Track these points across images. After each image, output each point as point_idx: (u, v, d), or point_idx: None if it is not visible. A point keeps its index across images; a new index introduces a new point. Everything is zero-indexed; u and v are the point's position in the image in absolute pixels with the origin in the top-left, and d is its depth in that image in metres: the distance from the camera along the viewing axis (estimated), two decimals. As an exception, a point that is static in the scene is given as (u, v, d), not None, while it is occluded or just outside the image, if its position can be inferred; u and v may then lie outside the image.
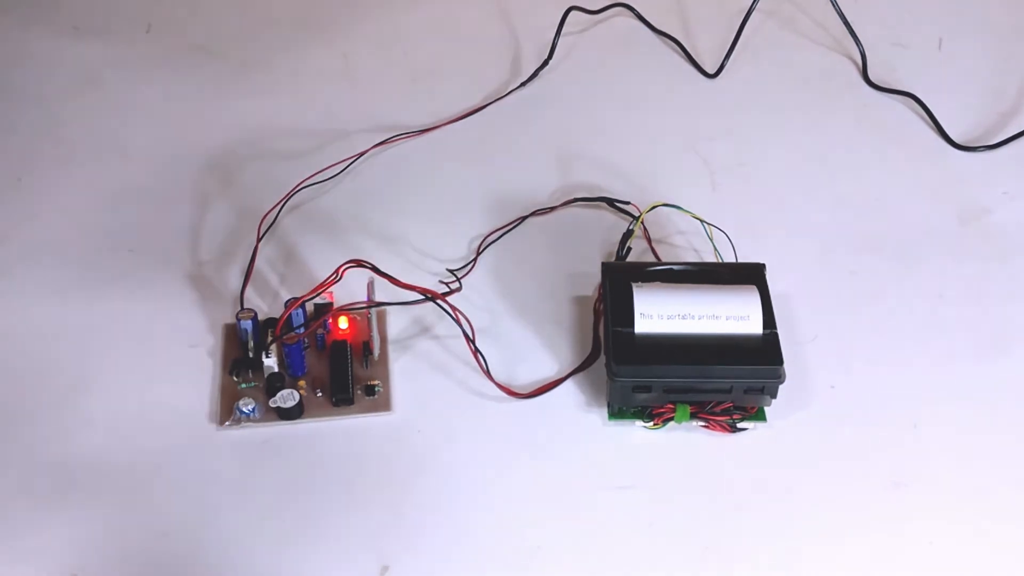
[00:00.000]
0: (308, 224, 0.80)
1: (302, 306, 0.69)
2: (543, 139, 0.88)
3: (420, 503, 0.64)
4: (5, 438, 0.67)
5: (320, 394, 0.69)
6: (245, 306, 0.73)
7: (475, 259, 0.78)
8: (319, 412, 0.68)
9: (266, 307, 0.74)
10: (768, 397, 0.67)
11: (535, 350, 0.73)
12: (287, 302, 0.70)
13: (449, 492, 0.65)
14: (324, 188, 0.83)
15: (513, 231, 0.80)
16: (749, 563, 0.62)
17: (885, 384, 0.71)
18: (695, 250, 0.78)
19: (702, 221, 0.76)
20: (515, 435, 0.68)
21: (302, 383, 0.69)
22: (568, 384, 0.71)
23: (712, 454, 0.67)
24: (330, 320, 0.71)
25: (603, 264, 0.71)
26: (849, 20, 0.96)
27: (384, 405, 0.69)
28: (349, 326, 0.72)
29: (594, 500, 0.65)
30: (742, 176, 0.85)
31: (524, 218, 0.81)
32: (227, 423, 0.67)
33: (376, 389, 0.69)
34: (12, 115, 0.89)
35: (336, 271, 0.68)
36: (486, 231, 0.80)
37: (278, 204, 0.80)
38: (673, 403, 0.67)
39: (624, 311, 0.66)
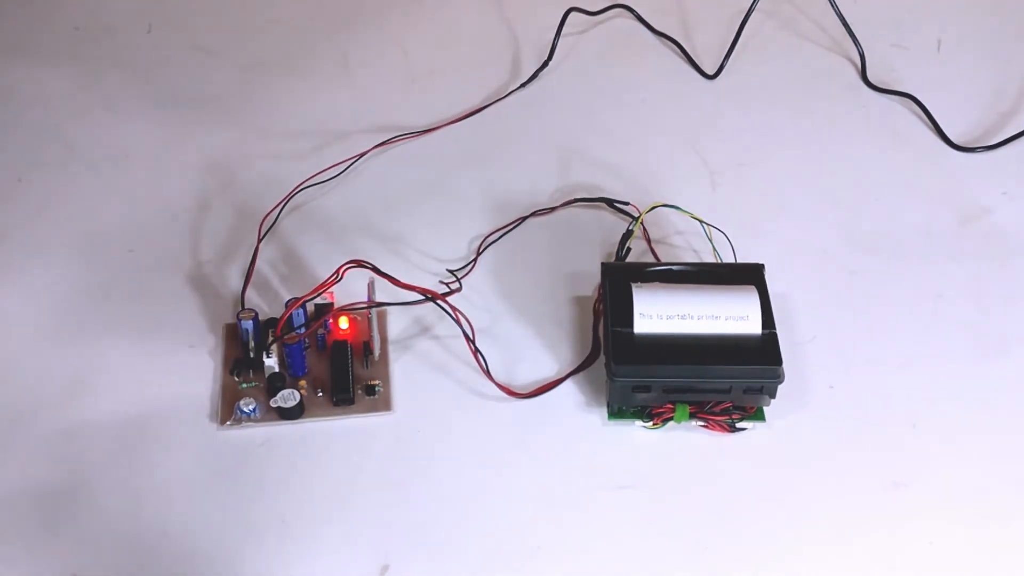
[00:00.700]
0: (309, 224, 0.80)
1: (303, 306, 0.69)
2: (543, 140, 0.88)
3: (420, 503, 0.64)
4: (5, 438, 0.67)
5: (321, 394, 0.69)
6: (246, 306, 0.73)
7: (475, 259, 0.78)
8: (320, 412, 0.68)
9: (267, 307, 0.74)
10: (767, 397, 0.67)
11: (535, 350, 0.73)
12: (288, 302, 0.70)
13: (449, 492, 0.65)
14: (325, 189, 0.83)
15: (513, 231, 0.80)
16: (749, 563, 0.62)
17: (884, 384, 0.71)
18: (694, 250, 0.78)
19: (701, 221, 0.76)
20: (515, 435, 0.68)
21: (303, 383, 0.69)
22: (568, 384, 0.71)
23: (711, 454, 0.67)
24: (331, 320, 0.71)
25: (603, 264, 0.71)
26: (848, 21, 0.96)
27: (384, 405, 0.69)
28: (350, 326, 0.72)
29: (594, 500, 0.65)
30: (741, 177, 0.85)
31: (524, 218, 0.81)
32: (228, 423, 0.68)
33: (376, 389, 0.69)
34: (12, 115, 0.89)
35: (336, 271, 0.68)
36: (486, 231, 0.80)
37: (279, 204, 0.80)
38: (672, 403, 0.67)
39: (624, 311, 0.66)
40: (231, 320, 0.73)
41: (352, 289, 0.70)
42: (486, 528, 0.63)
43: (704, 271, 0.71)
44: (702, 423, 0.68)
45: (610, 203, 0.81)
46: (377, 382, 0.70)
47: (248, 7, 1.01)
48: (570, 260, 0.78)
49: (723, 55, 0.95)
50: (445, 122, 0.89)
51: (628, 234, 0.76)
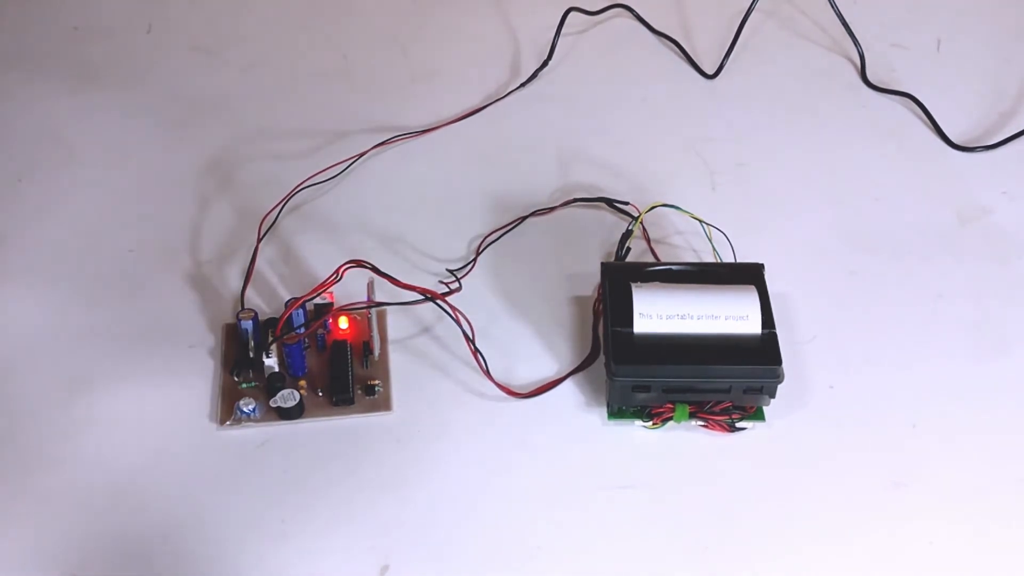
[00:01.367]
0: (308, 224, 0.80)
1: (302, 306, 0.69)
2: (542, 139, 0.88)
3: (420, 502, 0.64)
4: (6, 438, 0.67)
5: (320, 394, 0.69)
6: (246, 306, 0.73)
7: (475, 259, 0.78)
8: (319, 412, 0.68)
9: (266, 307, 0.74)
10: (767, 397, 0.67)
11: (535, 350, 0.73)
12: (287, 302, 0.70)
13: (449, 491, 0.65)
14: (324, 188, 0.83)
15: (513, 231, 0.80)
16: (749, 563, 0.62)
17: (884, 384, 0.71)
18: (694, 250, 0.78)
19: (701, 221, 0.76)
20: (515, 435, 0.68)
21: (302, 383, 0.69)
22: (567, 384, 0.71)
23: (711, 454, 0.67)
24: (330, 320, 0.71)
25: (602, 264, 0.71)
26: (848, 21, 0.96)
27: (384, 405, 0.69)
28: (349, 326, 0.72)
29: (594, 500, 0.65)
30: (741, 176, 0.85)
31: (524, 218, 0.81)
32: (228, 423, 0.68)
33: (376, 389, 0.69)
34: (12, 115, 0.89)
35: (336, 271, 0.68)
36: (486, 231, 0.80)
37: (278, 204, 0.80)
38: (672, 403, 0.67)
39: (623, 311, 0.66)
40: (231, 320, 0.73)
41: (352, 289, 0.70)
42: (486, 528, 0.63)
43: (704, 271, 0.71)
44: (702, 423, 0.68)
45: (610, 203, 0.81)
46: (377, 382, 0.70)
47: (248, 7, 1.01)
48: (570, 260, 0.78)
49: (723, 55, 0.95)
50: (445, 122, 0.89)
51: (628, 234, 0.76)
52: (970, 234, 0.81)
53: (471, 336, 0.69)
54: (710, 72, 0.94)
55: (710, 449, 0.68)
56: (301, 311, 0.69)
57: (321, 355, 0.71)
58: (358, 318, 0.72)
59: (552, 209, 0.82)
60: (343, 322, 0.71)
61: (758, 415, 0.68)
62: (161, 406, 0.69)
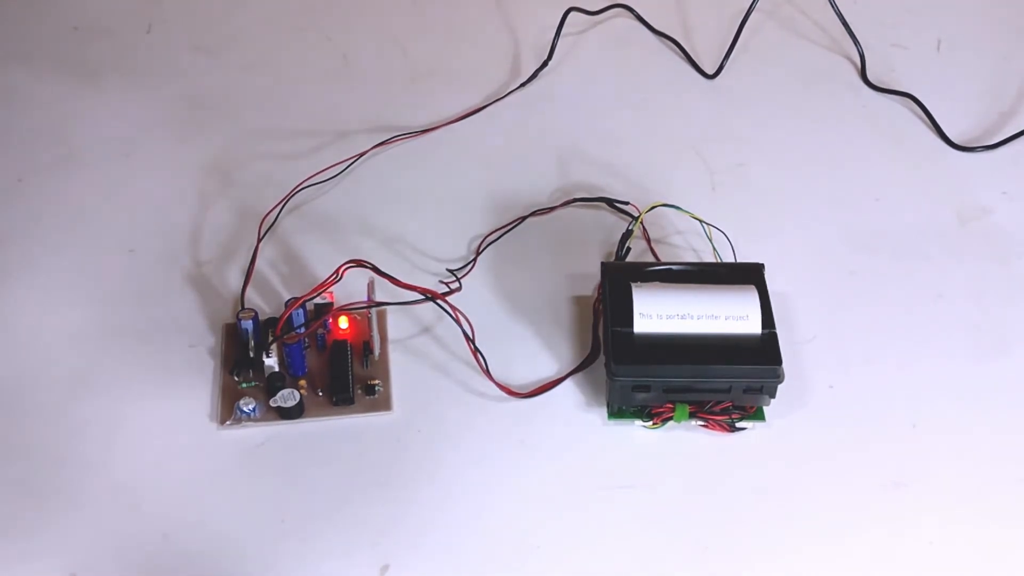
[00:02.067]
0: (308, 224, 0.80)
1: (302, 306, 0.69)
2: (543, 139, 0.88)
3: (420, 502, 0.64)
4: (6, 438, 0.67)
5: (320, 394, 0.69)
6: (246, 306, 0.73)
7: (475, 259, 0.78)
8: (319, 411, 0.68)
9: (267, 307, 0.74)
10: (767, 397, 0.67)
11: (535, 350, 0.73)
12: (287, 302, 0.70)
13: (449, 491, 0.65)
14: (324, 188, 0.83)
15: (513, 231, 0.80)
16: (749, 563, 0.62)
17: (884, 384, 0.71)
18: (694, 250, 0.78)
19: (701, 221, 0.76)
20: (515, 435, 0.68)
21: (302, 383, 0.69)
22: (568, 384, 0.71)
23: (711, 454, 0.67)
24: (330, 320, 0.71)
25: (602, 264, 0.71)
26: (848, 21, 0.96)
27: (384, 404, 0.69)
28: (349, 326, 0.72)
29: (594, 499, 0.65)
30: (741, 176, 0.85)
31: (524, 218, 0.81)
32: (228, 422, 0.68)
33: (376, 389, 0.69)
34: (13, 116, 0.89)
35: (336, 271, 0.68)
36: (486, 231, 0.80)
37: (279, 204, 0.80)
38: (672, 403, 0.67)
39: (623, 311, 0.66)
40: (231, 320, 0.73)
41: (352, 289, 0.70)
42: (486, 528, 0.63)
43: (704, 271, 0.71)
44: (702, 423, 0.68)
45: (610, 203, 0.81)
46: (377, 382, 0.70)
47: (247, 7, 1.01)
48: (570, 260, 0.78)
49: (723, 55, 0.95)
50: (445, 122, 0.89)
51: (628, 234, 0.76)
52: (970, 234, 0.81)
53: (471, 336, 0.69)
54: (710, 72, 0.94)
55: (710, 449, 0.68)
56: (301, 311, 0.70)
57: (321, 355, 0.71)
58: (358, 318, 0.72)
59: (552, 209, 0.82)
60: (343, 322, 0.71)
61: (758, 415, 0.68)
62: (161, 406, 0.69)
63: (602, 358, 0.70)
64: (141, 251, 0.78)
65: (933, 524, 0.64)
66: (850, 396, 0.70)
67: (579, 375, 0.71)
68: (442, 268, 0.77)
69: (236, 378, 0.70)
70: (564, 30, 0.96)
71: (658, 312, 0.66)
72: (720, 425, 0.68)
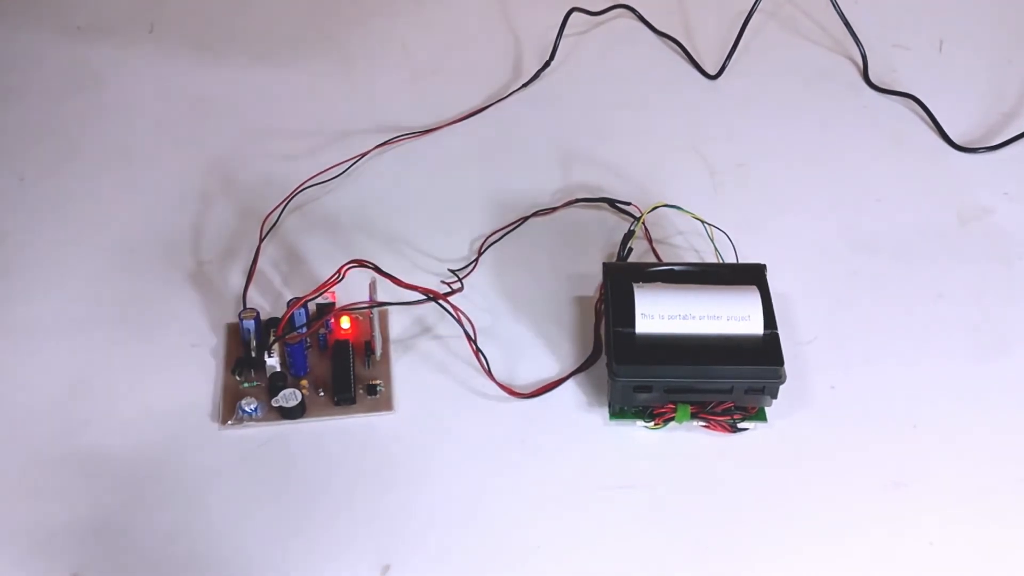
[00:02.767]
0: (310, 224, 0.80)
1: (304, 306, 0.69)
2: (544, 140, 0.88)
3: (421, 502, 0.65)
4: (7, 437, 0.67)
5: (322, 393, 0.69)
6: (248, 306, 0.73)
7: (476, 259, 0.78)
8: (321, 411, 0.68)
9: (268, 307, 0.74)
10: (768, 397, 0.67)
11: (536, 350, 0.73)
12: (289, 302, 0.70)
13: (450, 491, 0.65)
14: (326, 188, 0.83)
15: (514, 231, 0.80)
16: (749, 563, 0.63)
17: (885, 384, 0.71)
18: (696, 250, 0.78)
19: (703, 222, 0.77)
20: (516, 435, 0.68)
21: (304, 382, 0.69)
22: (569, 384, 0.71)
23: (713, 454, 0.67)
24: (332, 320, 0.71)
25: (604, 264, 0.71)
26: (850, 21, 0.96)
27: (386, 404, 0.69)
28: (351, 326, 0.72)
29: (595, 500, 0.65)
30: (743, 177, 0.85)
31: (525, 218, 0.81)
32: (229, 422, 0.68)
33: (378, 389, 0.69)
34: (14, 114, 0.89)
35: (338, 271, 0.68)
36: (487, 231, 0.80)
37: (281, 204, 0.80)
38: (674, 403, 0.67)
39: (625, 311, 0.66)
40: (233, 320, 0.73)
41: (353, 289, 0.70)
42: (487, 528, 0.64)
43: (706, 271, 0.71)
44: (703, 423, 0.68)
45: (612, 203, 0.81)
46: (378, 382, 0.70)
47: (249, 7, 1.01)
48: (572, 260, 0.78)
49: (725, 55, 0.95)
50: (447, 122, 0.89)
51: (630, 234, 0.76)
52: (971, 234, 0.81)
53: (473, 336, 0.69)
54: (712, 72, 0.94)
55: (712, 449, 0.68)
56: (303, 311, 0.70)
57: (323, 355, 0.71)
58: (360, 318, 0.72)
59: (554, 209, 0.82)
60: (345, 322, 0.72)
61: (760, 415, 0.68)
62: (163, 405, 0.69)
63: (603, 358, 0.70)
64: (143, 251, 0.78)
65: (933, 524, 0.64)
66: (851, 396, 0.70)
67: (581, 375, 0.71)
68: (444, 268, 0.77)
69: (238, 378, 0.70)
70: (566, 30, 0.96)
71: (660, 312, 0.66)
72: (722, 426, 0.68)
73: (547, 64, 0.94)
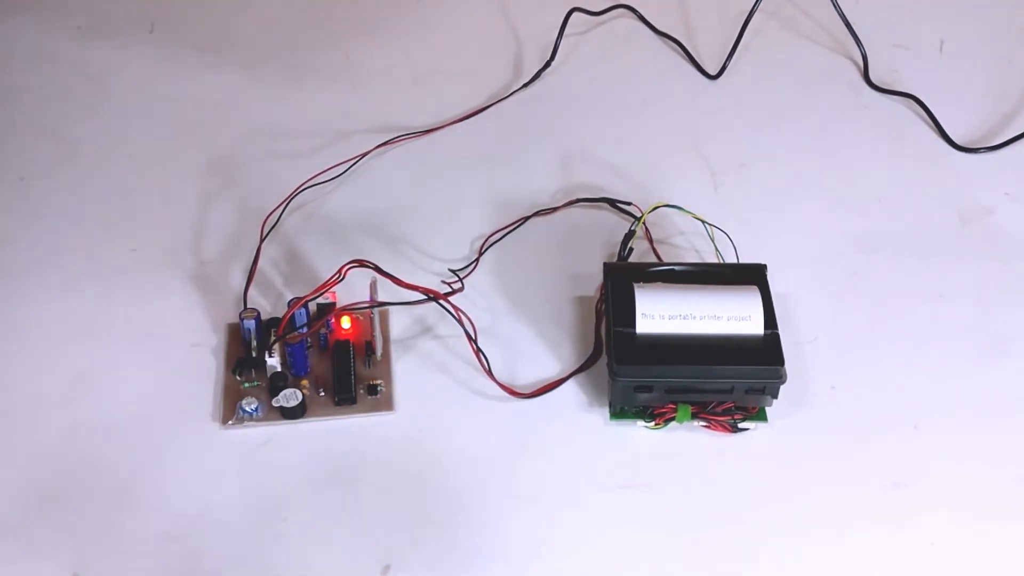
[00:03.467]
0: (311, 224, 0.80)
1: (305, 306, 0.69)
2: (545, 140, 0.88)
3: (422, 502, 0.65)
4: (6, 437, 0.67)
5: (323, 393, 0.69)
6: (248, 306, 0.73)
7: (477, 259, 0.78)
8: (322, 411, 0.68)
9: (269, 307, 0.74)
10: (769, 397, 0.67)
11: (537, 350, 0.73)
12: (290, 302, 0.70)
13: (450, 491, 0.65)
14: (327, 188, 0.83)
15: (515, 231, 0.80)
16: (750, 563, 0.63)
17: (885, 384, 0.71)
18: (696, 250, 0.78)
19: (703, 222, 0.77)
20: (517, 435, 0.68)
21: (305, 382, 0.69)
22: (570, 384, 0.71)
23: (713, 454, 0.67)
24: (333, 320, 0.71)
25: (605, 264, 0.71)
26: (850, 21, 0.96)
27: (386, 404, 0.69)
28: (352, 326, 0.72)
29: (595, 500, 0.65)
30: (743, 177, 0.85)
31: (526, 218, 0.81)
32: (230, 422, 0.68)
33: (378, 388, 0.69)
34: (15, 114, 0.89)
35: (339, 271, 0.68)
36: (488, 231, 0.80)
37: (281, 204, 0.80)
38: (674, 403, 0.67)
39: (626, 311, 0.66)
40: (233, 319, 0.73)
41: (354, 289, 0.70)
42: (487, 528, 0.64)
43: (706, 271, 0.71)
44: (704, 423, 0.68)
45: (612, 203, 0.81)
46: (379, 382, 0.70)
47: (250, 7, 1.01)
48: (572, 260, 0.78)
49: (725, 55, 0.95)
50: (447, 122, 0.89)
51: (630, 234, 0.76)
52: (972, 235, 0.81)
53: (473, 336, 0.69)
54: (713, 72, 0.94)
55: (712, 450, 0.68)
56: (304, 311, 0.70)
57: (323, 355, 0.71)
58: (360, 318, 0.72)
59: (555, 209, 0.82)
60: (345, 322, 0.72)
61: (760, 415, 0.68)
62: (163, 405, 0.69)
63: (604, 358, 0.70)
64: (143, 250, 0.78)
65: (933, 524, 0.64)
66: (852, 396, 0.70)
67: (581, 375, 0.71)
68: (444, 268, 0.77)
69: (238, 378, 0.70)
70: (566, 30, 0.96)
71: (660, 312, 0.66)
72: (722, 426, 0.68)
73: (547, 64, 0.94)
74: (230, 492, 0.65)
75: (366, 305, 0.69)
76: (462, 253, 0.79)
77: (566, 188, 0.84)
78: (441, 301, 0.69)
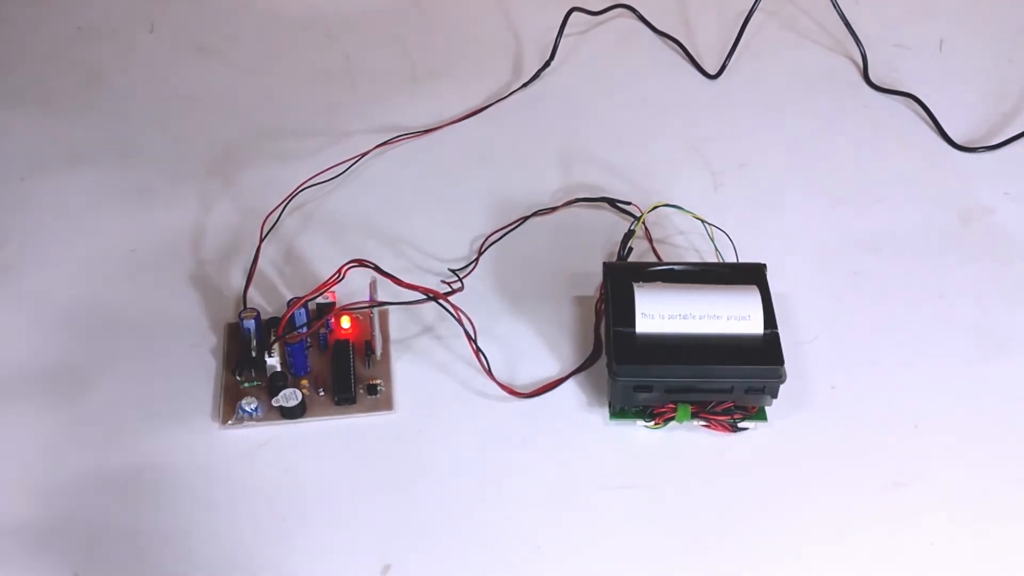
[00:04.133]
0: (311, 224, 0.80)
1: (305, 305, 0.69)
2: (545, 139, 0.88)
3: (422, 502, 0.65)
4: (7, 437, 0.67)
5: (322, 393, 0.69)
6: (248, 305, 0.73)
7: (477, 259, 0.78)
8: (321, 411, 0.68)
9: (269, 306, 0.74)
10: (769, 397, 0.67)
11: (536, 350, 0.73)
12: (290, 301, 0.70)
13: (450, 491, 0.65)
14: (326, 188, 0.83)
15: (515, 231, 0.80)
16: (749, 563, 0.62)
17: (885, 384, 0.71)
18: (696, 250, 0.78)
19: (703, 221, 0.76)
20: (516, 435, 0.68)
21: (304, 382, 0.69)
22: (569, 384, 0.71)
23: (713, 454, 0.67)
24: (332, 319, 0.71)
25: (604, 264, 0.71)
26: (850, 21, 0.96)
27: (386, 404, 0.69)
28: (351, 325, 0.72)
29: (595, 500, 0.65)
30: (743, 176, 0.85)
31: (526, 218, 0.81)
32: (230, 422, 0.68)
33: (378, 388, 0.69)
34: (15, 114, 0.89)
35: (338, 271, 0.68)
36: (488, 231, 0.80)
37: (281, 204, 0.80)
38: (674, 403, 0.67)
39: (625, 311, 0.66)
40: (233, 319, 0.73)
41: (354, 288, 0.70)
42: (487, 527, 0.64)
43: (706, 271, 0.71)
44: (704, 423, 0.68)
45: (612, 203, 0.81)
46: (379, 381, 0.70)
47: (250, 7, 1.01)
48: (572, 260, 0.78)
49: (725, 55, 0.95)
50: (447, 122, 0.89)
51: (630, 234, 0.76)
52: (972, 234, 0.81)
53: (473, 336, 0.69)
54: (712, 72, 0.94)
55: (712, 449, 0.68)
56: (303, 310, 0.70)
57: (323, 354, 0.71)
58: (360, 317, 0.72)
59: (554, 209, 0.82)
60: (345, 321, 0.72)
61: (760, 415, 0.68)
62: (163, 405, 0.69)
63: (604, 358, 0.70)
64: (143, 250, 0.78)
65: (933, 524, 0.64)
66: (852, 396, 0.70)
67: (581, 375, 0.71)
68: (444, 268, 0.77)
69: (238, 378, 0.70)
70: (566, 30, 0.96)
71: (660, 312, 0.66)
72: (722, 425, 0.68)
73: (547, 64, 0.94)
74: (230, 492, 0.65)
75: (366, 305, 0.69)
76: (462, 253, 0.79)
77: (566, 188, 0.84)
78: (441, 301, 0.69)
